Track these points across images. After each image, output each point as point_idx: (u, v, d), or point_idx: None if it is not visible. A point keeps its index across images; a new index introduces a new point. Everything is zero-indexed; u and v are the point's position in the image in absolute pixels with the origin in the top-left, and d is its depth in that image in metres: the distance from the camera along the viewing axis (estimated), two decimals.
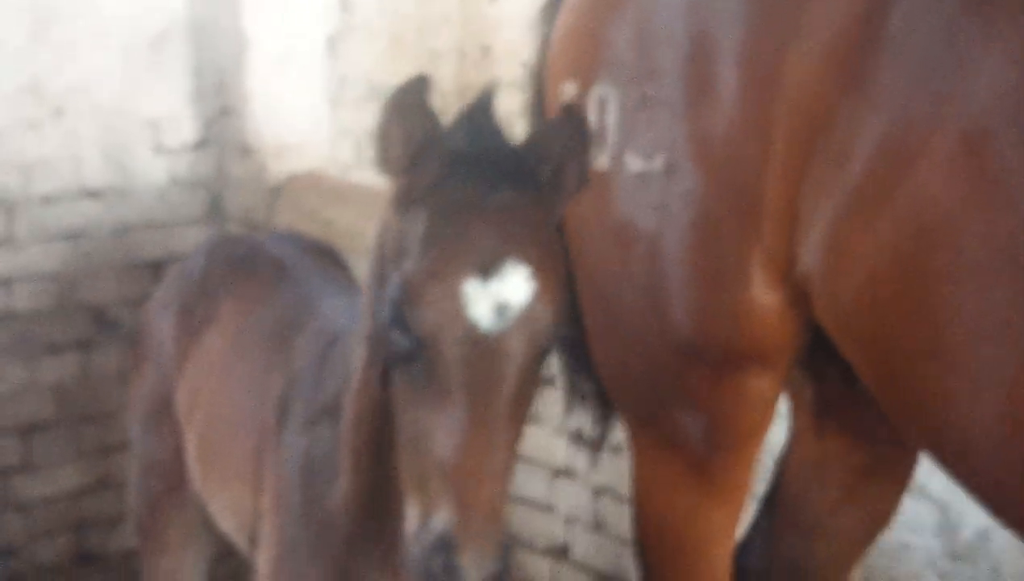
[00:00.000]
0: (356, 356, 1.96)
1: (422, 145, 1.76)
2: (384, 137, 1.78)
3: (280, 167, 4.14)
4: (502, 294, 1.67)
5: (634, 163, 2.19)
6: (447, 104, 4.89)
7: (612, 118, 2.23)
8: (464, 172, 1.74)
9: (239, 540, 2.45)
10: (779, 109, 2.03)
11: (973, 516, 2.97)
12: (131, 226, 4.08)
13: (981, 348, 1.83)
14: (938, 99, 1.87)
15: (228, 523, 2.48)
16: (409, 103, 1.76)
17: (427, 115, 1.78)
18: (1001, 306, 1.80)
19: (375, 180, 4.58)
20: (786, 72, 2.02)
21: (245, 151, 4.16)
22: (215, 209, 4.22)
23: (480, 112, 1.79)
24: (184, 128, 4.15)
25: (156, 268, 4.08)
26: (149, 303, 2.84)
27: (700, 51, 2.12)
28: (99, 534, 4.08)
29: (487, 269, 1.68)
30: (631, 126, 2.20)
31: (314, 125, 4.23)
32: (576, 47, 2.32)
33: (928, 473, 2.63)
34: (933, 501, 3.12)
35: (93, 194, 4.03)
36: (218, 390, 2.49)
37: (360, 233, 3.87)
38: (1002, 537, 3.08)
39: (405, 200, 1.77)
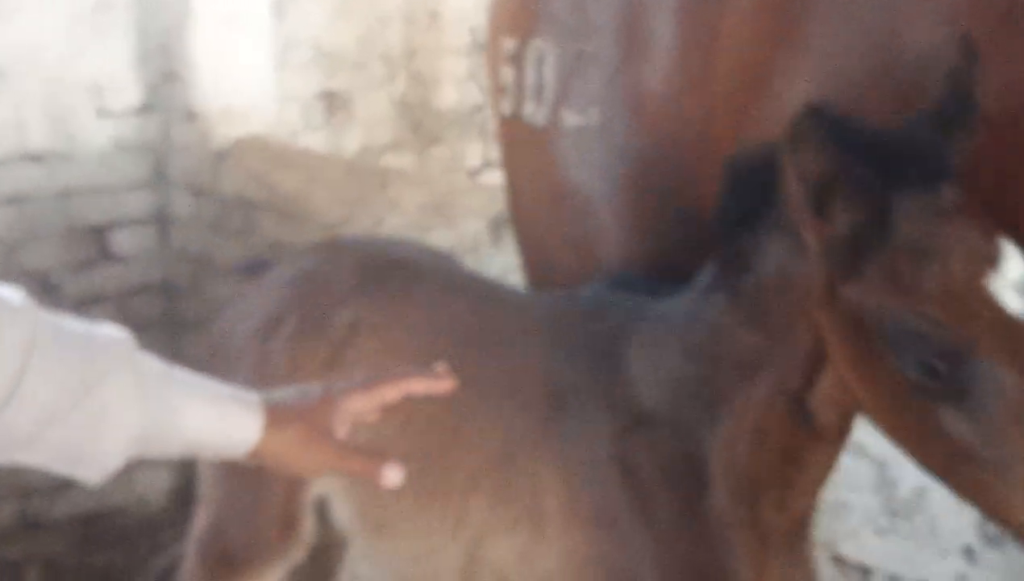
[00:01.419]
0: (760, 379, 1.86)
1: (839, 181, 1.68)
2: (795, 187, 1.70)
3: (226, 131, 4.12)
4: (1018, 275, 1.65)
5: (570, 118, 2.20)
6: (394, 69, 4.89)
7: (549, 73, 2.23)
8: (894, 185, 1.68)
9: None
10: (717, 63, 2.04)
11: (910, 474, 3.01)
12: (74, 191, 4.06)
13: None
14: (874, 50, 1.89)
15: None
16: (807, 143, 1.67)
17: (828, 151, 1.67)
18: None
19: (321, 144, 4.59)
20: (723, 26, 2.03)
21: (190, 115, 4.14)
22: (159, 174, 4.20)
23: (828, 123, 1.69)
24: (128, 92, 4.13)
25: (99, 233, 4.06)
26: (228, 321, 2.39)
27: (636, 7, 2.13)
28: (43, 500, 4.06)
29: (998, 261, 1.65)
30: (568, 81, 2.20)
31: (260, 89, 4.21)
32: (515, 3, 2.33)
33: (866, 432, 2.66)
34: (871, 459, 3.15)
35: (36, 158, 4.01)
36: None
37: (306, 197, 3.87)
38: (939, 494, 3.12)
39: (862, 241, 1.69)
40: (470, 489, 2.06)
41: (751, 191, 1.84)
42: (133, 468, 1.54)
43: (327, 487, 2.24)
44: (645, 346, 1.99)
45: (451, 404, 1.97)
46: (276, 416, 1.57)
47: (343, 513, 2.25)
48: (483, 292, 2.24)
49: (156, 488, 4.16)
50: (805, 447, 1.89)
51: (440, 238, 3.41)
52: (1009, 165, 1.80)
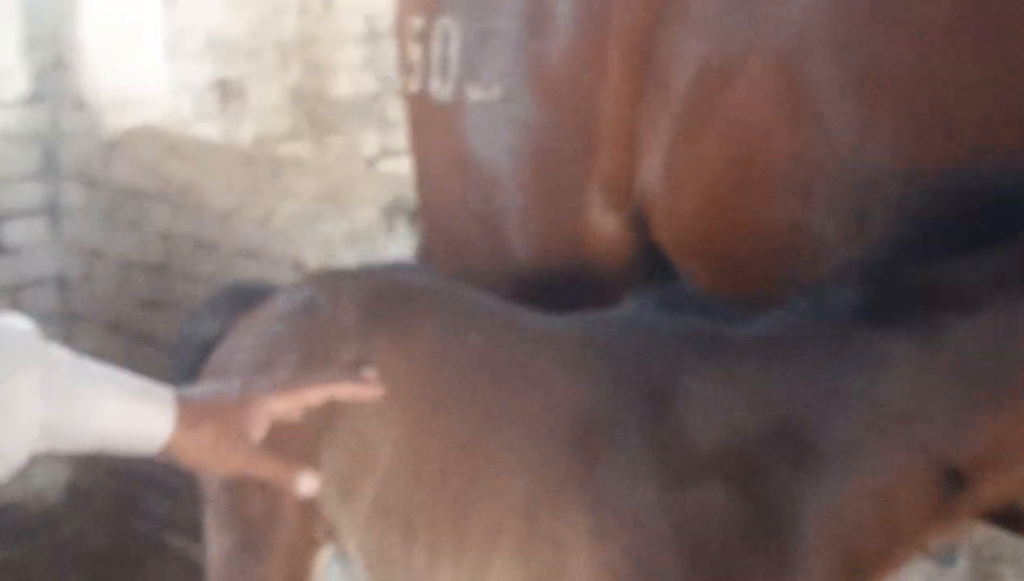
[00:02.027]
0: (904, 432, 1.61)
1: None
2: None
3: (117, 121, 4.06)
4: None
5: (474, 93, 2.22)
6: (288, 58, 4.85)
7: (455, 50, 2.25)
8: None
9: None
10: (611, 37, 2.08)
11: None
12: None
13: (800, 255, 1.93)
14: (753, 21, 1.95)
15: None
16: None
17: None
18: (816, 217, 1.91)
19: (215, 134, 4.54)
20: (615, 1, 2.07)
21: (80, 104, 4.07)
22: (50, 164, 4.13)
23: None
24: (16, 80, 4.05)
25: None
26: (221, 358, 2.14)
27: None
28: None
29: None
30: (472, 58, 2.23)
31: (152, 77, 4.15)
32: None
33: None
34: None
35: None
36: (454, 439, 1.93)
37: (198, 187, 3.83)
38: None
39: None
40: (488, 546, 1.83)
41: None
42: (29, 462, 1.49)
43: (337, 545, 2.06)
44: (710, 379, 1.73)
45: (468, 449, 1.85)
46: (189, 414, 1.55)
47: (353, 571, 2.08)
48: (502, 321, 2.01)
49: (53, 482, 4.08)
50: (939, 522, 1.63)
51: (334, 227, 3.41)
52: None
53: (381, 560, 1.97)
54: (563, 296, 2.21)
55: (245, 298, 2.21)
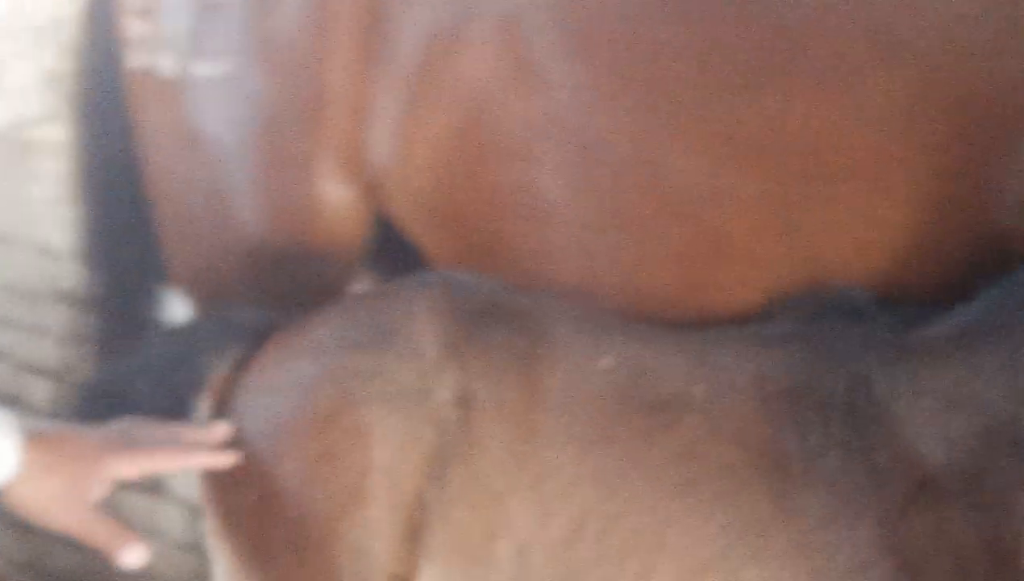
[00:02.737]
0: None
1: None
2: None
3: None
4: None
5: (201, 68, 2.19)
6: (42, 39, 4.68)
7: (181, 26, 2.22)
8: None
9: None
10: (338, 9, 2.09)
11: None
12: None
13: (530, 218, 1.98)
14: None
15: None
16: None
17: None
18: (543, 179, 1.96)
19: None
20: None
21: None
22: None
23: None
24: None
25: None
26: (256, 423, 1.70)
27: None
28: None
29: None
30: (199, 32, 2.20)
31: None
32: None
33: None
34: None
35: None
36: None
37: None
38: None
39: None
40: None
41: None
42: None
43: None
44: (912, 388, 1.55)
45: (633, 501, 1.58)
46: (38, 463, 1.48)
47: None
48: (639, 339, 1.73)
49: None
50: None
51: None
52: None
53: None
54: (297, 272, 2.20)
55: (238, 324, 1.85)
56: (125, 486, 3.74)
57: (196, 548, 3.61)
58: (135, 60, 2.27)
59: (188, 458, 1.60)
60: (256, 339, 1.79)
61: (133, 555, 1.52)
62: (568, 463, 1.62)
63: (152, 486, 3.77)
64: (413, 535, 1.61)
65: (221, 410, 1.73)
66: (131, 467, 1.55)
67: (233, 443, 1.67)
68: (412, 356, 1.66)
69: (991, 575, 1.45)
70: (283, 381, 1.70)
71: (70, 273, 2.97)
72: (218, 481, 1.66)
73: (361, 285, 2.40)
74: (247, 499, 1.64)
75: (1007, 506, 1.45)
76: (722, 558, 1.55)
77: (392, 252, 2.26)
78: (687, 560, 1.57)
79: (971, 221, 1.78)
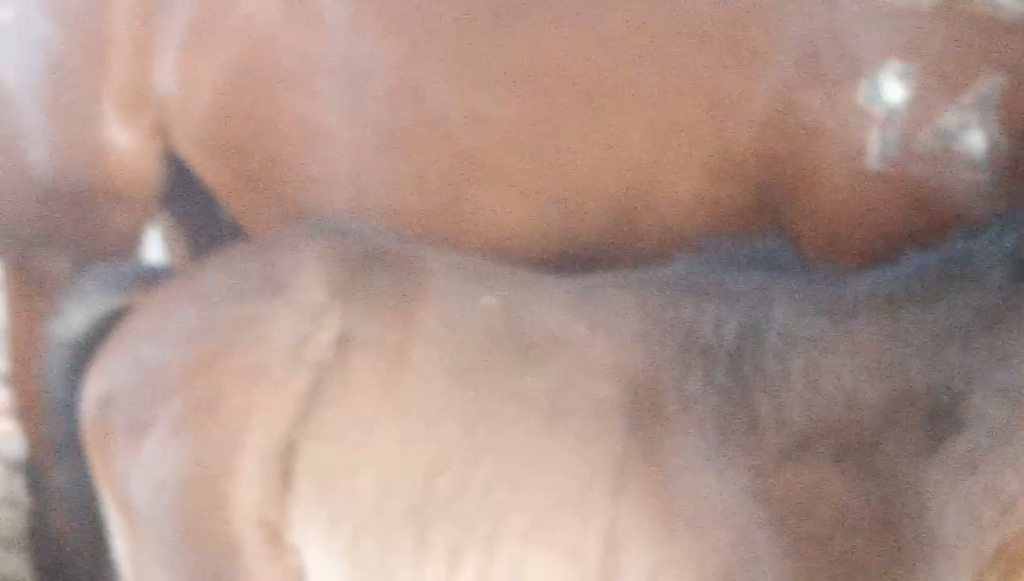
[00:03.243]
0: None
1: None
2: None
3: None
4: None
5: None
6: None
7: None
8: None
9: None
10: None
11: None
12: None
13: (317, 147, 2.09)
14: None
15: None
16: None
17: None
18: (318, 108, 2.07)
19: None
20: None
21: None
22: None
23: None
24: None
25: None
26: (140, 350, 1.75)
27: None
28: None
29: None
30: None
31: None
32: None
33: None
34: None
35: None
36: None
37: None
38: None
39: None
40: (527, 542, 1.55)
41: None
42: None
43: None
44: (809, 341, 1.50)
45: (499, 433, 1.56)
46: None
47: None
48: (519, 282, 1.73)
49: None
50: None
51: None
52: None
53: (379, 565, 1.63)
54: (88, 214, 2.26)
55: (121, 278, 1.86)
56: None
57: (15, 504, 3.54)
58: None
59: None
60: (143, 287, 1.83)
61: None
62: (436, 395, 1.62)
63: None
64: (284, 479, 1.63)
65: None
66: None
67: (111, 392, 1.71)
68: (296, 302, 1.68)
69: (872, 540, 1.40)
70: (168, 329, 1.72)
71: None
72: (98, 429, 1.72)
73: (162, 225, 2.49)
74: (127, 448, 1.67)
75: (901, 474, 1.40)
76: (580, 495, 1.53)
77: (190, 194, 2.33)
78: (547, 496, 1.55)
79: (706, 140, 1.91)
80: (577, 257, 2.00)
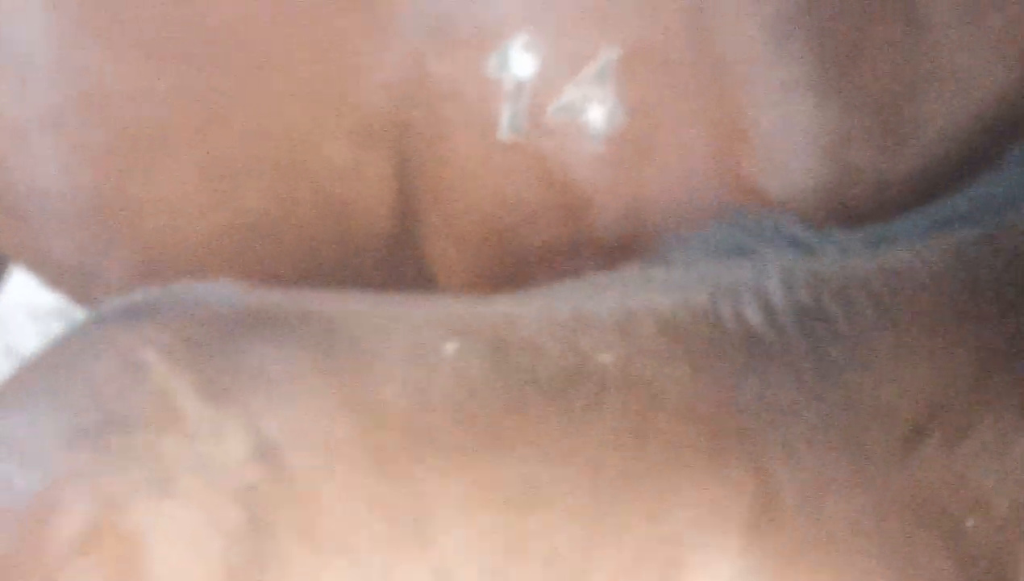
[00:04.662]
0: None
1: None
2: None
3: None
4: None
5: None
6: None
7: None
8: None
9: None
10: None
11: None
12: None
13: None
14: None
15: None
16: None
17: None
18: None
19: None
20: None
21: None
22: None
23: None
24: None
25: None
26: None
27: None
28: None
29: None
30: None
31: None
32: None
33: None
34: None
35: None
36: None
37: None
38: None
39: None
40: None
41: None
42: None
43: None
44: (878, 313, 1.43)
45: (564, 511, 1.26)
46: None
47: None
48: (473, 308, 1.48)
49: None
50: None
51: None
52: None
53: None
54: None
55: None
56: None
57: None
58: None
59: None
60: None
61: None
62: (451, 491, 1.26)
63: None
64: None
65: None
66: None
67: None
68: (164, 421, 1.22)
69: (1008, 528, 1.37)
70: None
71: None
72: None
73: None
74: None
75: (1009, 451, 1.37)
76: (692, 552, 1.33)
77: None
78: (633, 556, 1.31)
79: (348, 109, 1.92)
80: (242, 227, 2.03)
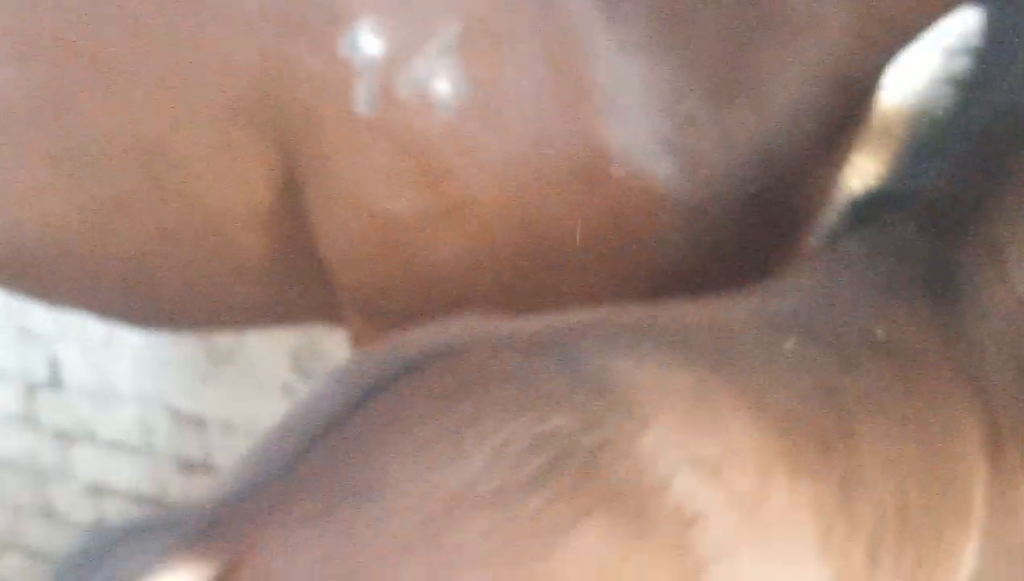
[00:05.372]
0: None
1: None
2: None
3: None
4: None
5: None
6: None
7: None
8: None
9: None
10: None
11: None
12: None
13: None
14: None
15: None
16: None
17: None
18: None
19: None
20: None
21: None
22: None
23: None
24: None
25: None
26: None
27: None
28: None
29: None
30: None
31: None
32: None
33: None
34: None
35: None
36: None
37: None
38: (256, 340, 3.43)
39: None
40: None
41: None
42: None
43: None
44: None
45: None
46: None
47: None
48: (761, 301, 1.59)
49: None
50: None
51: None
52: None
53: None
54: None
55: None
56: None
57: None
58: None
59: None
60: None
61: None
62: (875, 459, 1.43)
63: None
64: None
65: None
66: None
67: None
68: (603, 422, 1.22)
69: None
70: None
71: None
72: None
73: None
74: None
75: None
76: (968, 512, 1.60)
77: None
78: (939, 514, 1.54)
79: (213, 93, 2.00)
80: (106, 205, 2.12)
